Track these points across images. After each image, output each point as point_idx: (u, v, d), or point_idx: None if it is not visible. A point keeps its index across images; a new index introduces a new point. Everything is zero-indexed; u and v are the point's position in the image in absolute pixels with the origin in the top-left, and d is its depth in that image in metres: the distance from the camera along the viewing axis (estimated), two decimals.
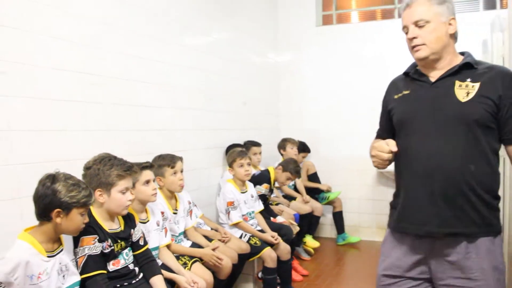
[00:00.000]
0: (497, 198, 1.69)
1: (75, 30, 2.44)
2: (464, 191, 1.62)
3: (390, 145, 1.69)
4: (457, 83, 1.66)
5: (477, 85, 1.64)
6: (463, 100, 1.64)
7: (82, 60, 2.49)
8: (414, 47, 1.70)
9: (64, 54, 2.37)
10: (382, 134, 1.90)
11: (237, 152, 3.36)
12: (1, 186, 2.00)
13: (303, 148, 5.03)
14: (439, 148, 1.65)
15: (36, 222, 1.80)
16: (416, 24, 1.68)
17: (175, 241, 2.72)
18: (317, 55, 5.34)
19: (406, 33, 1.71)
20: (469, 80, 1.66)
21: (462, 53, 1.75)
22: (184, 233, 2.88)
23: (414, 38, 1.69)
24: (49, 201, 1.73)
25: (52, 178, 1.76)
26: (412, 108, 1.72)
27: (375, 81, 5.01)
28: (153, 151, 2.89)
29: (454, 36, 1.72)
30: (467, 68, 1.67)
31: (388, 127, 1.87)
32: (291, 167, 3.82)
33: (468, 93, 1.65)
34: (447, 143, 1.64)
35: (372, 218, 5.09)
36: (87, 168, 2.07)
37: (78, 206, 1.76)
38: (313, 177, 4.98)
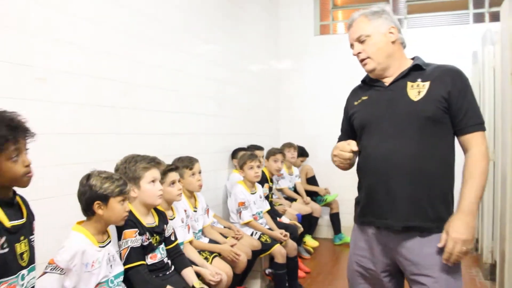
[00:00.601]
0: (452, 193, 1.76)
1: (107, 41, 2.63)
2: (419, 187, 1.69)
3: (351, 144, 1.79)
4: (409, 84, 1.76)
5: (427, 84, 1.73)
6: (415, 99, 1.73)
7: (114, 69, 2.67)
8: (361, 61, 1.84)
9: (97, 63, 2.55)
10: (343, 138, 1.96)
11: (248, 155, 3.56)
12: (44, 185, 2.15)
13: (302, 152, 5.26)
14: (395, 147, 1.73)
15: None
16: (358, 40, 1.83)
17: (195, 237, 2.90)
18: (316, 63, 5.59)
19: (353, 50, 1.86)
20: (419, 80, 1.75)
21: (412, 58, 1.87)
22: (201, 231, 3.06)
23: (359, 53, 1.83)
24: (88, 196, 1.90)
25: (87, 176, 1.94)
26: (371, 111, 1.82)
27: None
28: (170, 153, 3.06)
29: (399, 43, 1.83)
30: (417, 69, 1.78)
31: (349, 132, 1.97)
32: (270, 152, 4.18)
33: (419, 92, 1.74)
34: (402, 141, 1.72)
35: None
36: (116, 169, 2.26)
37: (114, 195, 1.91)
38: (312, 180, 5.21)
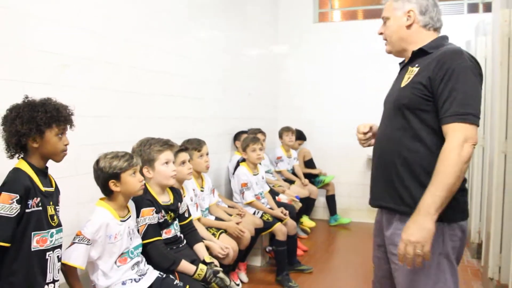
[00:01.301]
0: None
1: (121, 30, 2.79)
2: (397, 172, 1.66)
3: (364, 127, 1.91)
4: (409, 69, 1.72)
5: (416, 69, 1.67)
6: (402, 85, 1.71)
7: (128, 55, 2.83)
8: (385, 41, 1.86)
9: (116, 49, 2.71)
10: None
11: (250, 138, 3.74)
12: (66, 165, 2.31)
13: (300, 136, 5.45)
14: (381, 131, 1.79)
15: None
16: (383, 21, 1.85)
17: (202, 215, 3.08)
18: (314, 50, 5.75)
19: None
20: (416, 65, 1.69)
21: (442, 38, 1.76)
22: (208, 209, 3.25)
23: (381, 33, 1.85)
24: (102, 178, 2.08)
25: (97, 161, 2.11)
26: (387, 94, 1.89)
27: (368, 76, 5.47)
28: (176, 136, 3.20)
29: (420, 26, 1.74)
30: (423, 54, 1.70)
31: None
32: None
33: (408, 78, 1.69)
34: (387, 126, 1.75)
35: (362, 201, 5.55)
36: (134, 151, 2.42)
37: (123, 170, 2.07)
38: (310, 163, 5.41)
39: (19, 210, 1.61)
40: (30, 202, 1.65)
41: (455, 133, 1.54)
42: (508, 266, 3.05)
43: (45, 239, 1.70)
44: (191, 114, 3.65)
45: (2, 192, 1.61)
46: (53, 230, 1.74)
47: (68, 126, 1.78)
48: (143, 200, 2.29)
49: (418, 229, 1.52)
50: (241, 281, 3.45)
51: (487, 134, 3.45)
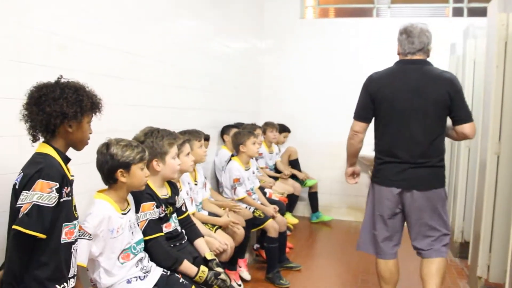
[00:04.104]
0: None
1: (121, 17, 2.66)
2: None
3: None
4: None
5: None
6: None
7: (129, 42, 2.71)
8: None
9: (114, 34, 2.59)
10: None
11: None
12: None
13: (283, 128, 5.38)
14: None
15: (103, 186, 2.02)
16: None
17: (197, 210, 2.98)
18: (299, 45, 5.70)
19: None
20: None
21: None
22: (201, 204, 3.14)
23: None
24: (110, 165, 1.93)
25: (106, 145, 1.96)
26: None
27: (350, 74, 5.47)
28: (161, 126, 3.08)
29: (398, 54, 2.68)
30: None
31: None
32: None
33: None
34: None
35: (343, 199, 5.57)
36: (140, 142, 2.24)
37: (135, 162, 1.96)
38: (295, 163, 5.35)
39: (57, 200, 1.52)
40: (63, 191, 1.56)
41: None
42: (497, 265, 3.11)
43: (72, 231, 1.62)
44: (177, 105, 3.52)
45: (40, 180, 1.48)
46: (76, 222, 1.67)
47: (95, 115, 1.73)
48: (143, 194, 2.16)
49: None
50: (243, 280, 3.36)
51: (478, 135, 3.49)
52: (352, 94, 5.32)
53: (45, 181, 1.49)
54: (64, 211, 1.57)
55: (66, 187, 1.57)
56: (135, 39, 2.87)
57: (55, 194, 1.50)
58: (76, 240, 1.67)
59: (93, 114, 1.69)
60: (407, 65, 2.55)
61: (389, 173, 2.55)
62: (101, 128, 2.28)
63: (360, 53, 5.45)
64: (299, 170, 5.32)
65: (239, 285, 3.28)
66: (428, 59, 2.60)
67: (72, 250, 1.64)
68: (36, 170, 1.50)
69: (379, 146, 2.63)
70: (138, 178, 1.98)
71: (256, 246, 3.86)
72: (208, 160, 4.14)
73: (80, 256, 1.76)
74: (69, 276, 1.62)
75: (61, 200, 1.54)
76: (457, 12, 5.33)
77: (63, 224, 1.57)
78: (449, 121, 2.61)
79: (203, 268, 2.18)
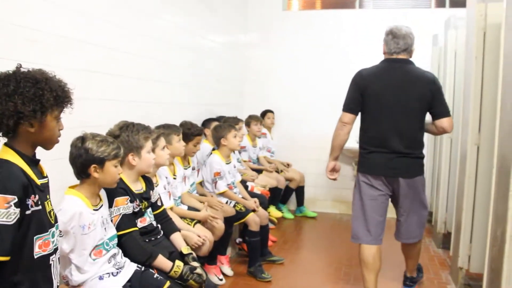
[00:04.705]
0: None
1: (95, 7, 2.58)
2: None
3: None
4: None
5: None
6: None
7: (105, 35, 2.65)
8: None
9: (89, 29, 2.52)
10: None
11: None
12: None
13: (265, 112, 5.37)
14: None
15: (76, 182, 1.97)
16: None
17: (175, 204, 2.94)
18: (282, 38, 5.66)
19: None
20: None
21: None
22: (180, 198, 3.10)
23: None
24: (84, 159, 1.88)
25: (81, 139, 1.92)
26: None
27: (336, 66, 5.46)
28: (138, 121, 3.04)
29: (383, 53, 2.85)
30: None
31: None
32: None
33: None
34: None
35: (328, 191, 5.57)
36: (115, 136, 2.21)
37: (110, 159, 1.92)
38: (299, 191, 5.36)
39: (18, 215, 1.31)
40: (29, 202, 1.36)
41: None
42: (478, 255, 3.11)
43: (48, 242, 1.44)
44: (158, 99, 3.46)
45: None
46: (53, 229, 1.48)
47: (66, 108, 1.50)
48: (116, 189, 2.11)
49: None
50: (224, 275, 3.34)
51: (458, 127, 3.49)
52: (338, 87, 5.30)
53: (0, 195, 1.28)
54: (34, 223, 1.37)
55: (32, 196, 1.37)
56: (115, 34, 2.82)
57: (14, 210, 1.30)
58: (56, 249, 1.50)
59: (61, 109, 1.47)
60: (392, 63, 2.77)
61: (377, 162, 2.75)
62: (92, 122, 2.28)
63: (345, 45, 5.44)
64: (302, 199, 5.34)
65: (220, 280, 3.26)
66: (411, 59, 2.80)
67: (51, 262, 1.46)
68: None
69: (366, 137, 2.82)
70: (111, 175, 1.94)
71: (238, 240, 3.83)
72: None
73: None
74: None
75: (27, 212, 1.35)
76: (440, 3, 5.32)
77: (35, 238, 1.38)
78: (428, 117, 2.82)
79: (178, 263, 2.15)
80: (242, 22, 5.66)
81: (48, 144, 1.49)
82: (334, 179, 3.00)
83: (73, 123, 2.31)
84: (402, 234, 2.93)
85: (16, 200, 1.31)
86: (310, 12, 5.76)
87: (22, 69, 1.40)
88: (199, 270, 2.18)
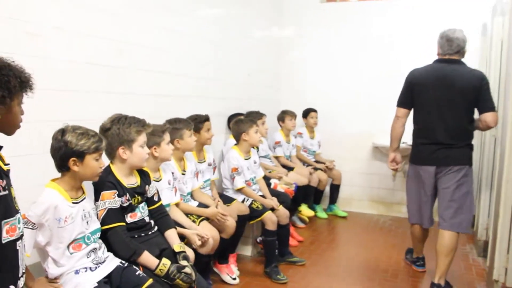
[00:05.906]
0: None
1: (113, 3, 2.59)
2: None
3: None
4: None
5: None
6: None
7: (110, 27, 2.61)
8: None
9: (94, 21, 2.50)
10: None
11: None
12: (26, 142, 2.10)
13: (307, 110, 5.19)
14: None
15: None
16: None
17: (184, 200, 2.87)
18: (320, 31, 5.44)
19: None
20: None
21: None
22: (190, 194, 3.03)
23: None
24: (63, 152, 1.85)
25: (62, 131, 1.88)
26: None
27: (376, 60, 5.16)
28: (164, 115, 3.00)
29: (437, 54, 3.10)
30: None
31: None
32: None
33: None
34: None
35: (364, 191, 5.29)
36: (107, 129, 2.18)
37: (90, 152, 1.87)
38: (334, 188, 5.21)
39: None
40: None
41: None
42: None
43: (14, 227, 1.42)
44: (180, 92, 3.41)
45: None
46: (18, 215, 1.47)
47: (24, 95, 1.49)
48: (104, 182, 2.07)
49: None
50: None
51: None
52: (377, 85, 5.11)
53: None
54: (1, 207, 1.38)
55: (0, 181, 1.39)
56: (139, 30, 2.82)
57: None
58: (21, 236, 1.49)
59: (24, 94, 1.45)
60: (444, 63, 3.01)
61: (425, 153, 3.05)
62: (98, 115, 2.27)
63: (388, 39, 5.11)
64: (336, 197, 5.19)
65: (234, 279, 3.15)
66: (462, 60, 3.02)
67: (18, 248, 1.45)
68: None
69: (416, 130, 3.14)
70: (91, 168, 1.90)
71: (259, 238, 3.70)
72: (216, 149, 4.03)
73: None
74: (19, 275, 1.46)
75: None
76: None
77: (3, 222, 1.38)
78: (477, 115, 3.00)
79: (164, 260, 2.06)
80: (277, 15, 5.50)
81: (12, 128, 1.48)
82: (395, 170, 3.46)
83: (88, 115, 2.35)
84: (442, 217, 3.00)
85: None
86: (349, 4, 5.49)
87: None
88: (187, 270, 2.08)
